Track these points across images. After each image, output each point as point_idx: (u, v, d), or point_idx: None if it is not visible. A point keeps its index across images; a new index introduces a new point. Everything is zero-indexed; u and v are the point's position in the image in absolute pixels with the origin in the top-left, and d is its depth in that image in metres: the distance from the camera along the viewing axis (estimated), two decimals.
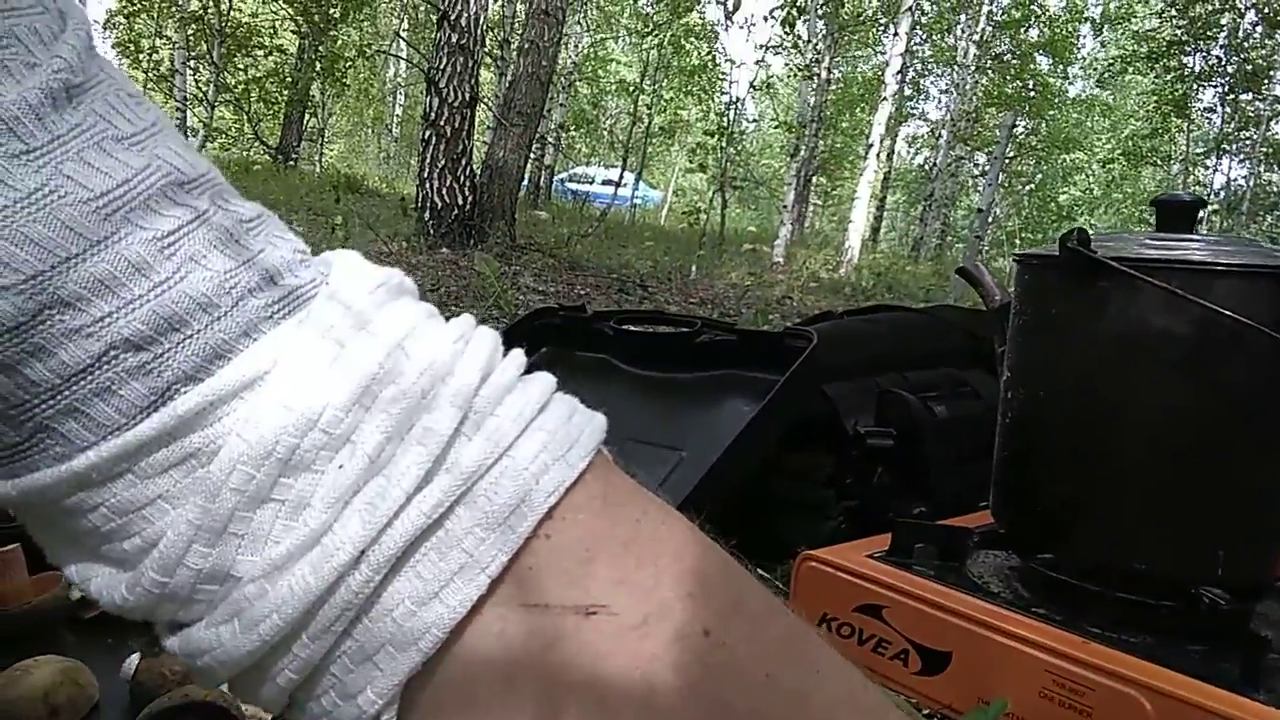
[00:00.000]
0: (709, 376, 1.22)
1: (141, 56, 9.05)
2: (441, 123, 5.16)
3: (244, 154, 11.07)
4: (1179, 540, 0.71)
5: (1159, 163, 13.12)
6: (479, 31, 5.20)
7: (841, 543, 0.91)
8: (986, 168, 14.77)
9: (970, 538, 0.85)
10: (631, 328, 1.30)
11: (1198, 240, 0.73)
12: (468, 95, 5.19)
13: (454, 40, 5.07)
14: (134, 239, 0.21)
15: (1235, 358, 0.68)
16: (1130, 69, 12.38)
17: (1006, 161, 14.67)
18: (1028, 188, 15.44)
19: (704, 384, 1.22)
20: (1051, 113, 12.98)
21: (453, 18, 5.07)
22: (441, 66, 5.11)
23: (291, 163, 10.89)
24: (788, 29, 8.25)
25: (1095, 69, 13.31)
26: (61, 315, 0.20)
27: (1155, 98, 11.55)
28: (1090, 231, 0.73)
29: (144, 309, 0.21)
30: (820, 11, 9.61)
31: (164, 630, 0.24)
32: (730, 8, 9.50)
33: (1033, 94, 11.76)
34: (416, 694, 0.23)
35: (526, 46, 5.75)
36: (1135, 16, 12.65)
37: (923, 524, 0.85)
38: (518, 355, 0.26)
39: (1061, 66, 12.23)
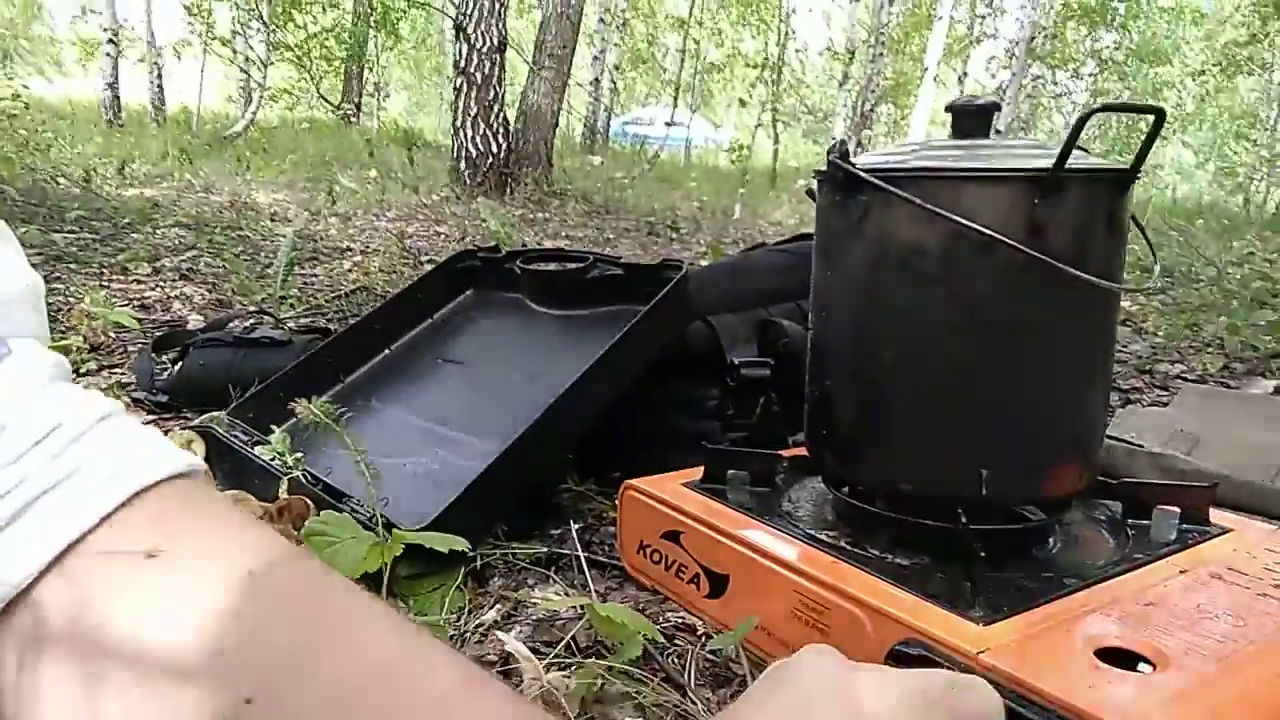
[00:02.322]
0: (603, 313, 1.23)
1: (197, 19, 9.21)
2: (471, 69, 5.16)
3: (309, 113, 11.28)
4: (941, 461, 0.69)
5: (1258, 70, 12.12)
6: None
7: None
8: (1068, 87, 13.91)
9: (780, 463, 0.85)
10: (534, 267, 1.31)
11: (978, 146, 0.70)
12: (496, 40, 5.17)
13: None
14: None
15: (985, 271, 0.65)
16: None
17: (1090, 79, 13.80)
18: None
19: (598, 320, 1.23)
20: (1137, 23, 12.09)
21: None
22: (468, 11, 5.09)
23: (355, 120, 11.07)
24: None
25: None
26: None
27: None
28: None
29: None
30: None
31: None
32: None
33: (1116, 3, 10.96)
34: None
35: None
36: None
37: (734, 451, 0.85)
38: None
39: None
